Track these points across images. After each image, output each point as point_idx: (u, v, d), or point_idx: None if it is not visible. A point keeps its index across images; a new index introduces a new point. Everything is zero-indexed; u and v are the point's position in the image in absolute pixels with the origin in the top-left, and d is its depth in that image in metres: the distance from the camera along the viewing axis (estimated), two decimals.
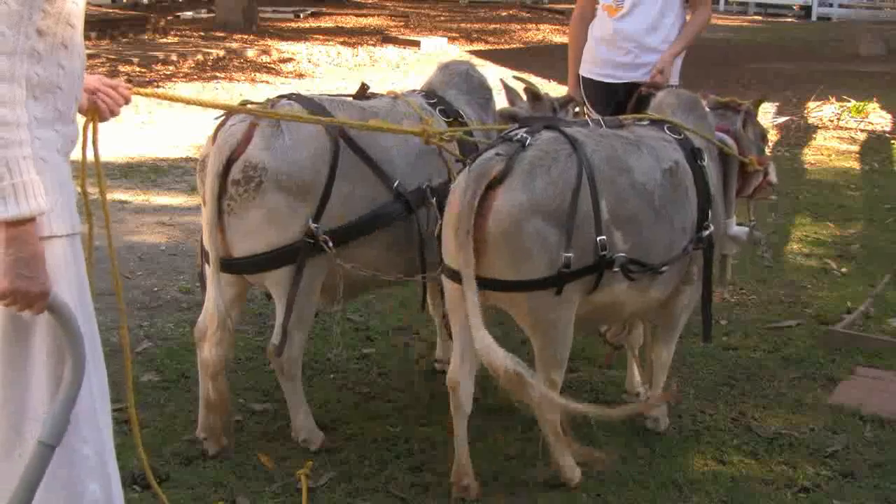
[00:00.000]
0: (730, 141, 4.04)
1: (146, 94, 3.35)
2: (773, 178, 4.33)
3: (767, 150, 4.57)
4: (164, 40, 15.16)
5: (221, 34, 15.86)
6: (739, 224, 4.15)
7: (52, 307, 2.17)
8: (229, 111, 3.63)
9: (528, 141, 3.35)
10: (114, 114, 2.68)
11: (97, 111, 2.62)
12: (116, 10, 17.70)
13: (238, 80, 12.33)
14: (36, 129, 2.19)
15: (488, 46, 17.38)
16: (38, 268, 2.14)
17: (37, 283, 2.14)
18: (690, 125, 3.87)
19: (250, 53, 14.32)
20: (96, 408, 2.39)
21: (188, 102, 3.55)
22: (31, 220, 2.12)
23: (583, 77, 5.06)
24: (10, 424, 2.29)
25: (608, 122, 3.82)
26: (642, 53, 4.85)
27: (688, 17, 4.95)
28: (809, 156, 9.40)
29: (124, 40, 14.68)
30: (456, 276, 3.28)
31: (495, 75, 4.78)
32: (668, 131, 3.78)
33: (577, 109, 4.70)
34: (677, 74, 4.95)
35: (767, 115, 10.67)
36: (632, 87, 4.80)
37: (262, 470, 3.61)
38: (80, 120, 2.50)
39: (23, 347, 2.27)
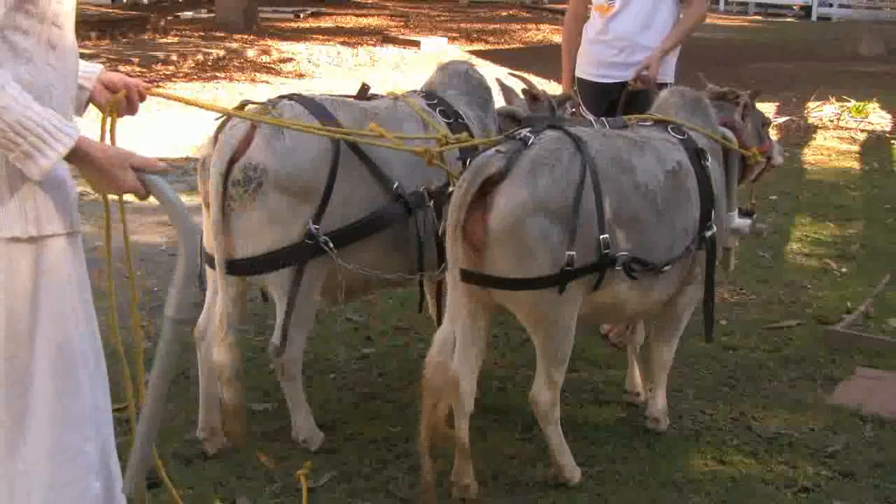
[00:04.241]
0: (730, 134, 4.04)
1: (163, 96, 3.31)
2: (777, 160, 4.34)
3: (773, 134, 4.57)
4: (164, 40, 15.15)
5: (221, 34, 15.84)
6: (742, 212, 4.14)
7: (149, 188, 2.38)
8: (246, 119, 3.50)
9: (531, 140, 3.36)
10: (132, 112, 2.71)
11: (116, 107, 2.62)
12: (116, 10, 17.69)
13: (238, 80, 12.33)
14: None
15: (488, 46, 17.38)
16: (111, 173, 2.28)
17: (121, 182, 2.30)
18: (694, 124, 3.87)
19: (250, 53, 14.31)
20: (98, 406, 2.40)
21: (203, 107, 3.34)
22: (72, 149, 2.20)
23: (578, 78, 5.07)
24: (14, 424, 2.30)
25: (612, 122, 3.83)
26: (635, 52, 4.84)
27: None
28: (809, 156, 9.41)
29: (124, 40, 14.68)
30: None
31: (495, 75, 4.78)
32: (671, 132, 3.78)
33: (572, 110, 4.70)
34: (672, 72, 4.94)
35: (767, 115, 10.67)
36: (624, 87, 4.80)
37: (262, 470, 3.61)
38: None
39: (26, 346, 2.28)
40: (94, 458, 2.39)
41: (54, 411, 2.31)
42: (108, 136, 2.56)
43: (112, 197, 2.52)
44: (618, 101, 4.77)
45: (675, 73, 4.96)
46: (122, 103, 2.64)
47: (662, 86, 4.64)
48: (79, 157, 2.23)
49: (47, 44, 2.24)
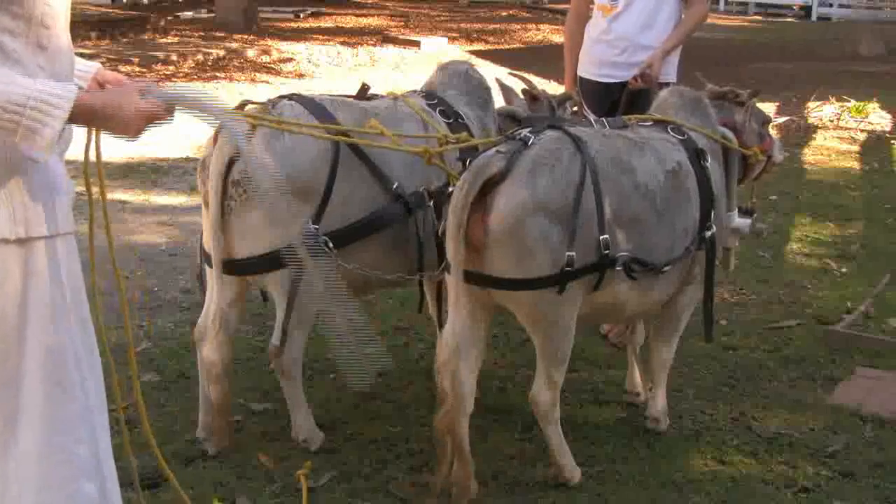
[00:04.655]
0: (730, 134, 4.04)
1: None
2: (778, 158, 4.34)
3: (774, 133, 4.58)
4: (164, 40, 15.14)
5: (221, 34, 15.83)
6: (742, 211, 4.14)
7: (168, 101, 2.34)
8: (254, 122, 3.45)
9: (531, 140, 3.36)
10: None
11: None
12: (116, 10, 17.68)
13: (238, 80, 12.32)
14: None
15: (488, 46, 17.37)
16: (122, 110, 2.27)
17: (134, 113, 2.28)
18: (694, 124, 3.87)
19: (250, 53, 14.30)
20: (92, 407, 2.38)
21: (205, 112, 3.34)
22: (72, 109, 2.17)
23: (580, 77, 5.08)
24: (5, 426, 2.29)
25: (612, 122, 3.83)
26: (637, 52, 4.85)
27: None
28: (809, 156, 9.41)
29: (124, 40, 14.67)
30: None
31: (495, 75, 4.78)
32: (671, 132, 3.78)
33: (574, 108, 4.71)
34: (675, 72, 4.94)
35: (767, 114, 10.67)
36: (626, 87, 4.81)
37: (262, 470, 3.61)
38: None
39: (15, 348, 2.27)
40: (86, 460, 2.36)
41: (44, 413, 2.29)
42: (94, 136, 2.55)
43: (101, 198, 2.50)
44: (620, 100, 4.78)
45: (676, 73, 4.96)
46: None
47: (665, 85, 4.64)
48: (82, 112, 2.20)
49: (36, 45, 2.22)
